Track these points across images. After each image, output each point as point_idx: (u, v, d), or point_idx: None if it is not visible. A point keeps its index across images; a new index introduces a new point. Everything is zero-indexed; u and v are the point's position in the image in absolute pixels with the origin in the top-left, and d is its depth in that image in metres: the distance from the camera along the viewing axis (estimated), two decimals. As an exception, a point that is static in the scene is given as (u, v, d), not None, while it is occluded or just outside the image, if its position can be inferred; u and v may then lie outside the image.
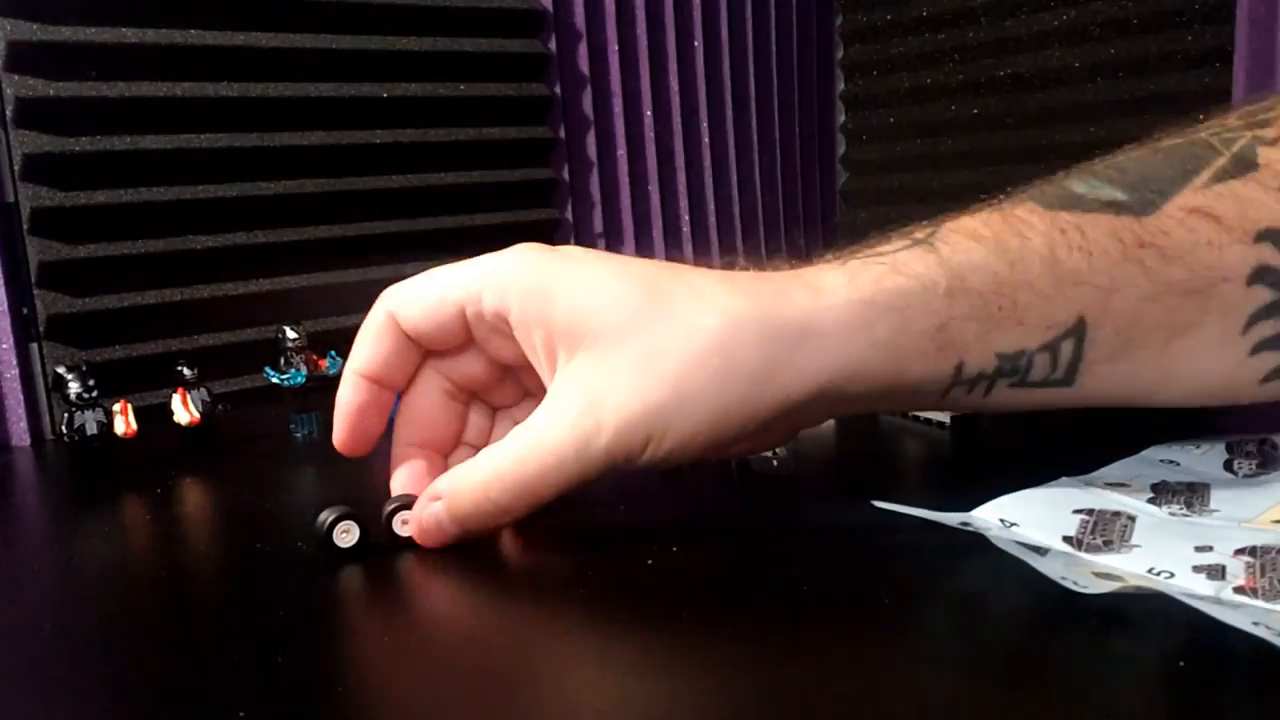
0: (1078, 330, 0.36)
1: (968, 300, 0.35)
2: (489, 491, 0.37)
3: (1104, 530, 0.36)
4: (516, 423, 0.38)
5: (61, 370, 0.59)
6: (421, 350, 0.41)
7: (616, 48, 1.02)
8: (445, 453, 0.44)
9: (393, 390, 0.42)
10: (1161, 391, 0.38)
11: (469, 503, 0.38)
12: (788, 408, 0.35)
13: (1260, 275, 0.35)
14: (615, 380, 0.35)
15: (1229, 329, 0.36)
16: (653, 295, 0.35)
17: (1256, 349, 0.37)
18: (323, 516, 0.41)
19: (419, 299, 0.39)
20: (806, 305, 0.35)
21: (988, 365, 0.36)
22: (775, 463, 0.48)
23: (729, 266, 0.39)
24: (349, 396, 0.43)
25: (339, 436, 0.43)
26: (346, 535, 0.41)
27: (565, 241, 1.01)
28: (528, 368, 0.39)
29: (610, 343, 0.35)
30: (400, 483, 0.42)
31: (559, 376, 0.36)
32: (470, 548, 0.42)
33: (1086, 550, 0.35)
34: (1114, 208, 0.36)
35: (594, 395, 0.35)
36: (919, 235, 0.38)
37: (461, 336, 0.40)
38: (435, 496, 0.39)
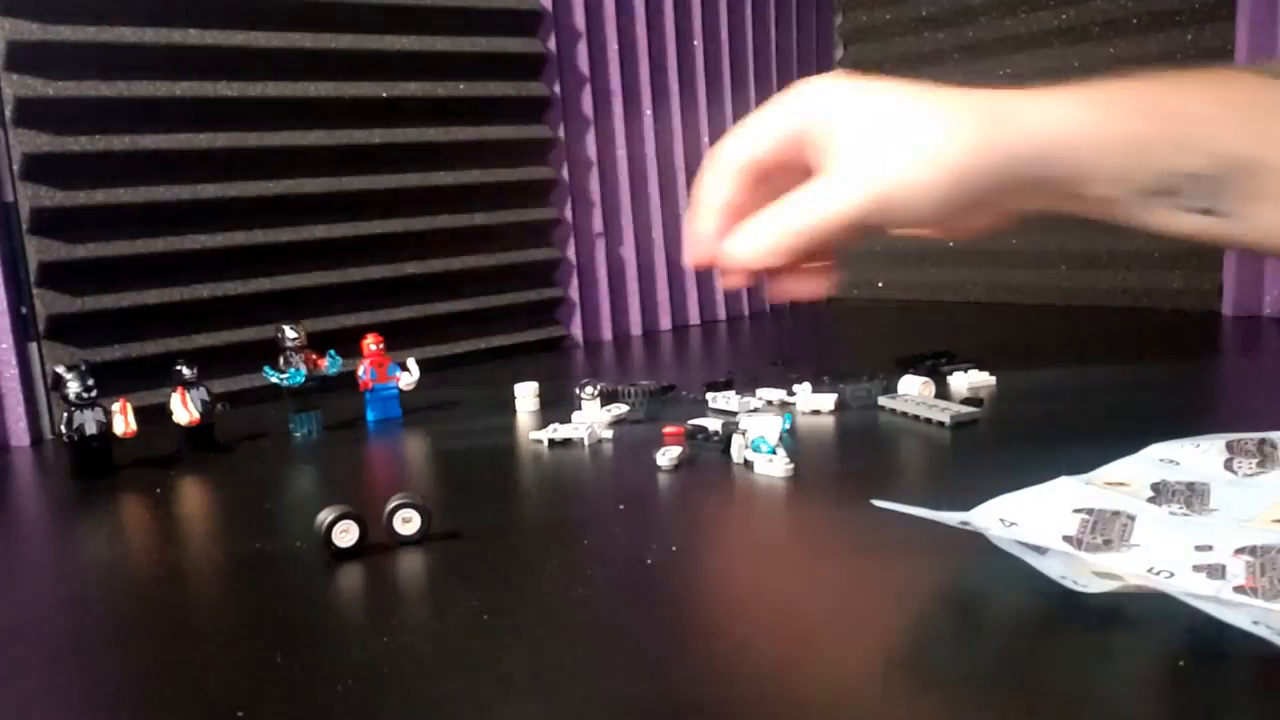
0: (1250, 169, 0.41)
1: (1163, 121, 0.41)
2: (784, 234, 0.46)
3: (1104, 530, 0.36)
4: None
5: (61, 370, 0.59)
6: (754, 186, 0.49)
7: (616, 47, 1.02)
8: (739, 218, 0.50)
9: (739, 218, 0.49)
10: None
11: (786, 226, 0.46)
12: (1000, 183, 0.42)
13: None
14: (875, 152, 0.44)
15: None
16: (896, 98, 0.44)
17: None
18: (322, 516, 0.41)
19: (758, 136, 0.48)
20: (1018, 105, 0.43)
21: (1167, 182, 0.42)
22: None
23: None
24: (713, 229, 0.49)
25: (696, 255, 0.50)
26: (346, 535, 0.41)
27: (565, 239, 1.01)
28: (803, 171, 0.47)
29: (870, 130, 0.44)
30: (712, 232, 0.49)
31: (838, 162, 0.45)
32: (469, 548, 0.42)
33: (1086, 550, 0.35)
34: None
35: (861, 174, 0.44)
36: (1136, 73, 0.43)
37: (789, 160, 0.47)
38: (746, 233, 0.47)
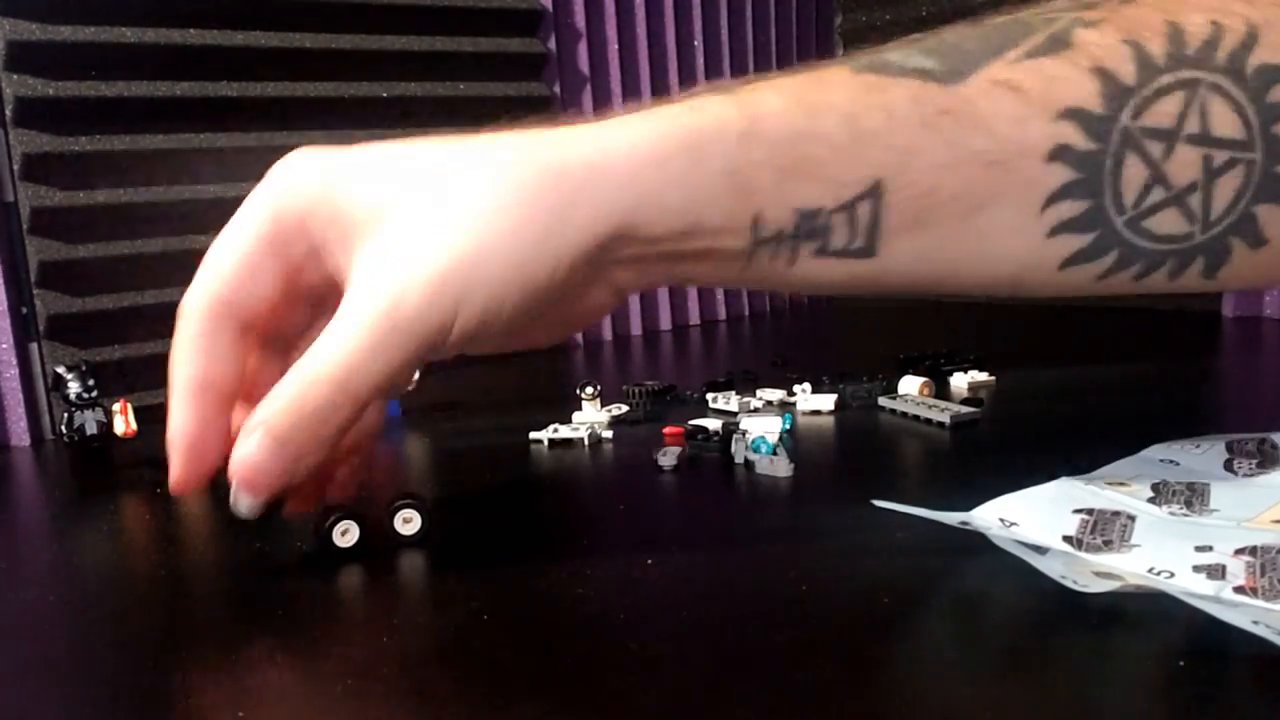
0: (875, 192, 0.35)
1: (763, 146, 0.34)
2: (306, 398, 0.33)
3: (1104, 530, 0.36)
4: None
5: (61, 370, 0.59)
6: (249, 336, 0.37)
7: (616, 47, 1.02)
8: (233, 396, 0.38)
9: (231, 396, 0.37)
10: (963, 271, 0.37)
11: (289, 416, 0.34)
12: (592, 246, 0.33)
13: (1060, 153, 0.35)
14: (414, 251, 0.32)
15: (1027, 207, 0.35)
16: (442, 163, 0.34)
17: (1055, 230, 0.36)
18: (322, 517, 0.41)
19: (227, 262, 0.36)
20: (600, 142, 0.34)
21: (787, 223, 0.35)
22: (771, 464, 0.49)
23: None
24: (188, 422, 0.36)
25: (178, 474, 0.37)
26: (346, 535, 0.41)
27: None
28: (333, 294, 0.36)
29: (403, 217, 0.33)
30: (187, 427, 0.36)
31: (356, 266, 0.34)
32: (469, 548, 0.42)
33: (1086, 550, 0.35)
34: (921, 75, 0.35)
35: (393, 270, 0.32)
36: (725, 85, 0.36)
37: (283, 281, 0.36)
38: (252, 427, 0.34)
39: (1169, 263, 0.36)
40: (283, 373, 0.35)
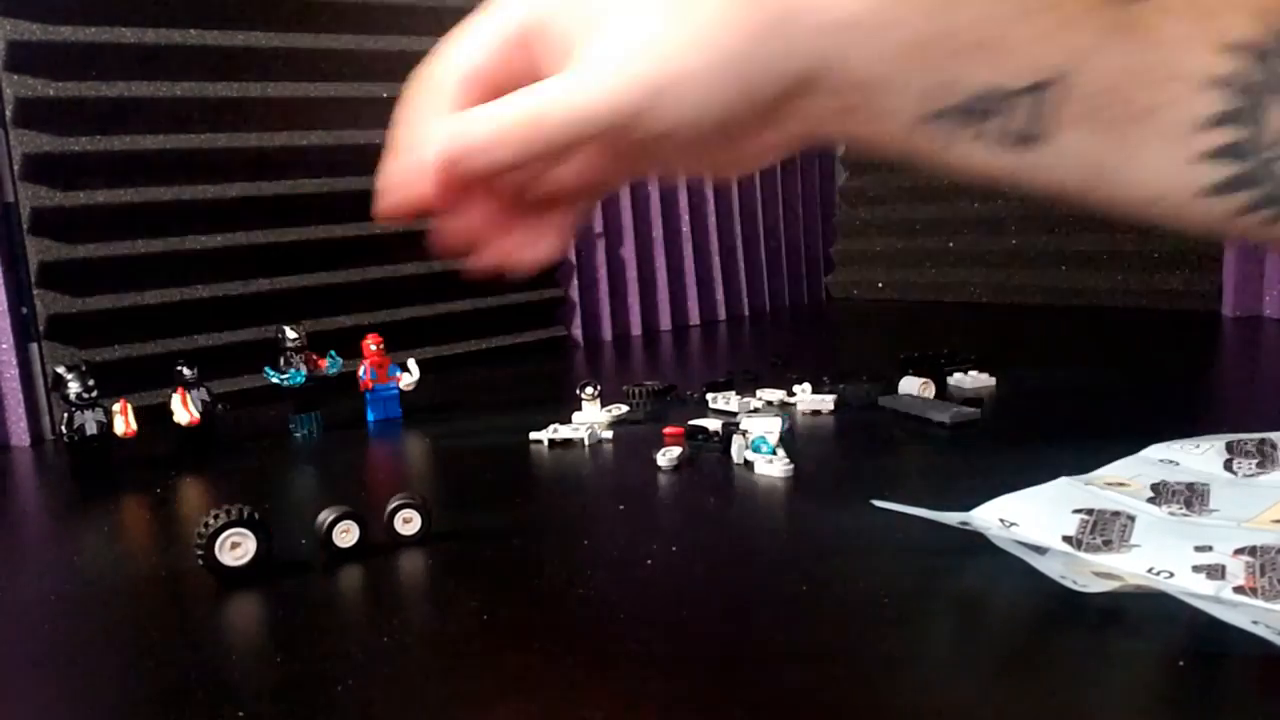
0: (1051, 83, 0.36)
1: (956, 21, 0.35)
2: (496, 120, 0.36)
3: (1104, 530, 0.36)
4: None
5: (61, 370, 0.59)
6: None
7: (616, 47, 1.02)
8: None
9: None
10: (1112, 179, 0.38)
11: (478, 130, 0.36)
12: (783, 81, 0.35)
13: (1216, 83, 0.36)
14: (623, 45, 0.35)
15: (1179, 127, 0.37)
16: None
17: (1202, 157, 0.37)
18: (322, 516, 0.41)
19: (477, 43, 0.39)
20: None
21: (963, 97, 0.36)
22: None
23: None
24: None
25: (388, 205, 0.40)
26: (346, 535, 0.41)
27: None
28: None
29: (619, 19, 0.35)
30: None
31: (578, 62, 0.36)
32: (469, 548, 0.42)
33: (1086, 550, 0.35)
34: None
35: (605, 58, 0.35)
36: None
37: (520, 72, 0.38)
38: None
39: None
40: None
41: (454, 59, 0.39)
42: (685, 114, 0.35)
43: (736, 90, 0.35)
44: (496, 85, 0.38)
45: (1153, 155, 0.37)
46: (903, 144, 0.38)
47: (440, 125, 0.37)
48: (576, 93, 0.35)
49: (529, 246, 0.40)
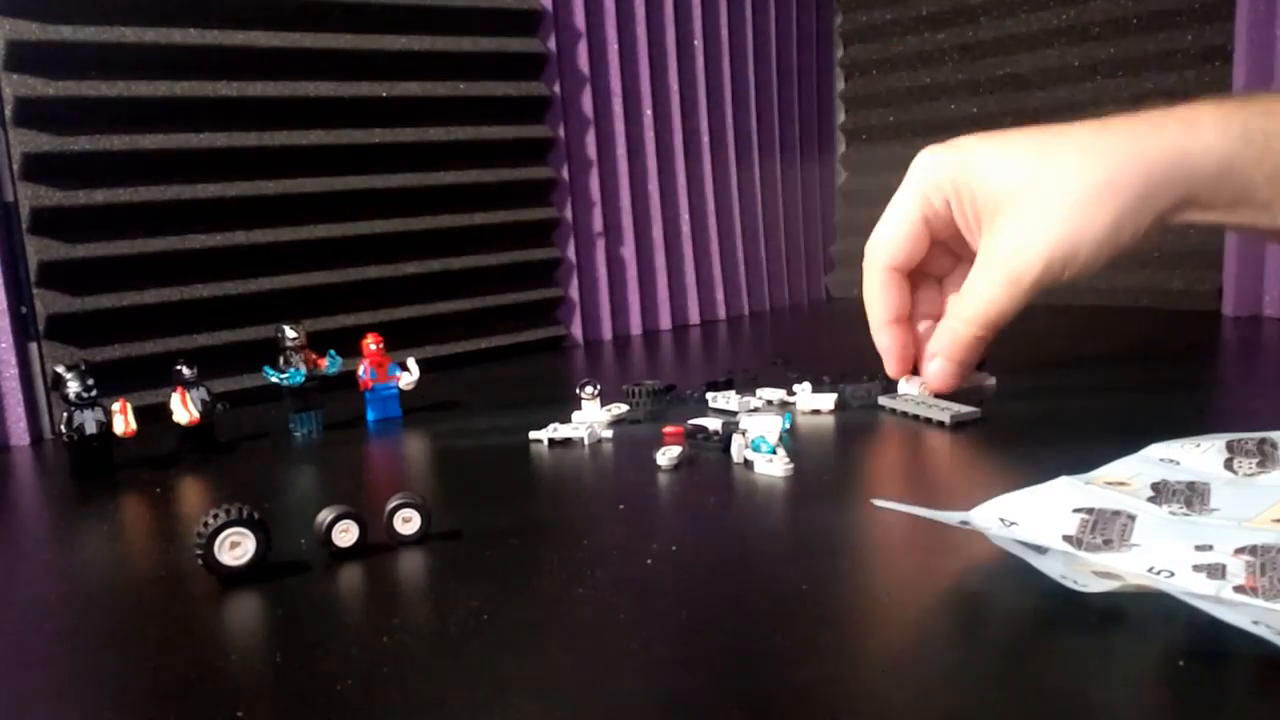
0: None
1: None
2: (962, 334, 0.53)
3: (1104, 529, 0.36)
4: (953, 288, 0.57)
5: (61, 370, 0.59)
6: (909, 278, 0.57)
7: (616, 47, 1.02)
8: (910, 321, 0.59)
9: (907, 320, 0.58)
10: None
11: (962, 344, 0.54)
12: (1160, 222, 0.47)
13: None
14: (1031, 228, 0.48)
15: None
16: (1042, 156, 0.47)
17: None
18: (322, 516, 0.41)
19: (893, 233, 0.54)
20: (1183, 138, 0.46)
21: None
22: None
23: None
24: (891, 342, 0.58)
25: (895, 370, 0.60)
26: (346, 535, 0.41)
27: (565, 239, 1.01)
28: (960, 242, 0.54)
29: (1019, 203, 0.48)
30: (892, 346, 0.59)
31: (985, 240, 0.50)
32: (469, 548, 0.42)
33: (1086, 549, 0.35)
34: None
35: (1016, 244, 0.48)
36: (1236, 102, 0.47)
37: (928, 243, 0.54)
38: (933, 355, 0.57)
39: None
40: (934, 301, 0.58)
41: (878, 254, 0.55)
42: (1090, 263, 0.47)
43: (1127, 235, 0.47)
44: (912, 264, 0.54)
45: None
46: (1266, 226, 0.47)
47: (930, 350, 0.57)
48: (1010, 288, 0.49)
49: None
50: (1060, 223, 0.46)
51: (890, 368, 0.58)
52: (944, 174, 0.50)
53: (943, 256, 0.57)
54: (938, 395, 0.57)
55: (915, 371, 0.61)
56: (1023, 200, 0.47)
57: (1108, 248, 0.47)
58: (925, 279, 0.58)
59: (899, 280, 0.54)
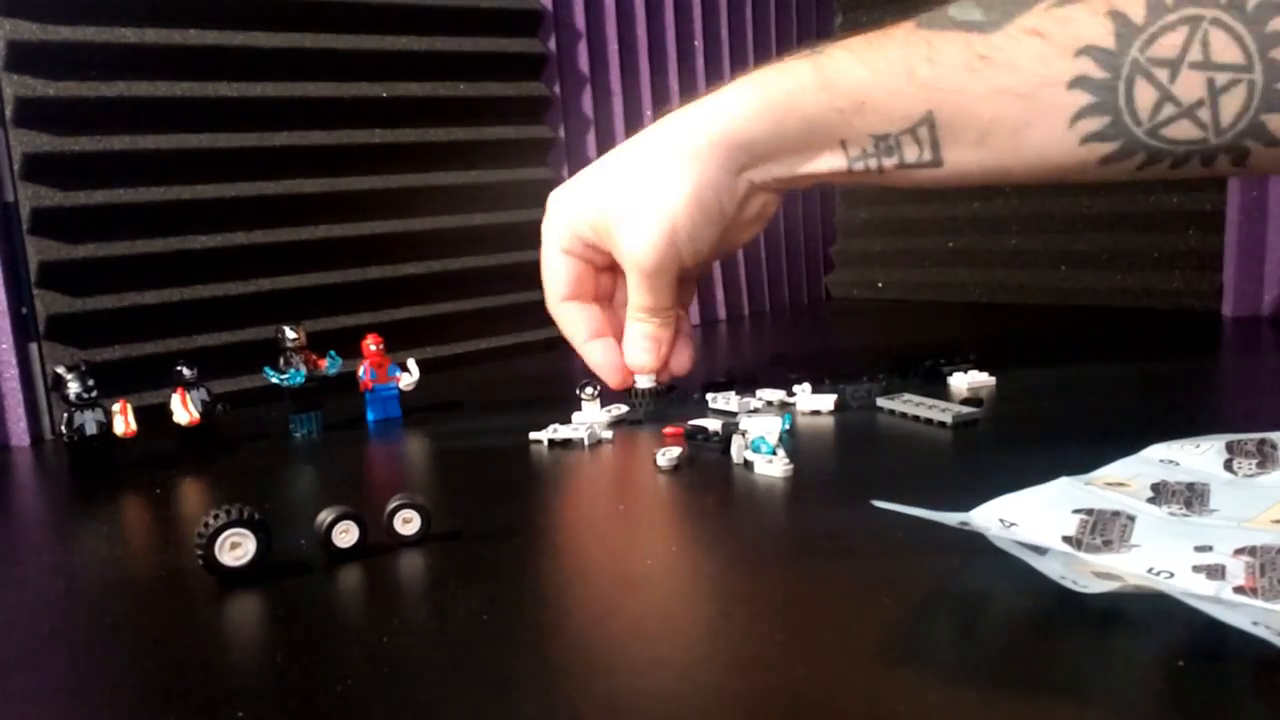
0: (928, 120, 0.48)
1: (835, 96, 0.49)
2: (638, 322, 0.59)
3: (1103, 530, 0.36)
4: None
5: (61, 370, 0.59)
6: (593, 301, 0.62)
7: (616, 47, 1.02)
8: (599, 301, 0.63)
9: (604, 333, 0.62)
10: (1015, 173, 0.49)
11: (646, 336, 0.60)
12: (740, 186, 0.53)
13: (1079, 83, 0.45)
14: (632, 223, 0.54)
15: (1057, 125, 0.46)
16: (636, 162, 0.54)
17: (1085, 140, 0.47)
18: (322, 517, 0.41)
19: (552, 278, 0.61)
20: (726, 112, 0.52)
21: (866, 144, 0.50)
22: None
23: None
24: (600, 357, 0.62)
25: (617, 381, 0.63)
26: (346, 535, 0.41)
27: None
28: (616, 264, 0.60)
29: (617, 206, 0.55)
30: (602, 359, 0.63)
31: (616, 248, 0.56)
32: (469, 548, 0.42)
33: (1086, 550, 0.35)
34: (966, 26, 0.47)
35: (628, 238, 0.55)
36: (819, 48, 0.51)
37: (590, 268, 0.60)
38: (628, 349, 0.61)
39: (1195, 158, 0.46)
40: (613, 318, 0.62)
41: (552, 297, 0.61)
42: (693, 233, 0.53)
43: (711, 201, 0.53)
44: (585, 291, 0.60)
45: (1046, 148, 0.47)
46: (846, 179, 0.52)
47: (629, 361, 0.61)
48: (643, 283, 0.56)
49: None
50: (648, 215, 0.52)
51: (610, 379, 0.61)
52: (564, 213, 0.57)
53: (615, 281, 0.63)
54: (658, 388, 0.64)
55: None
56: (621, 208, 0.53)
57: (699, 212, 0.52)
58: (611, 302, 0.64)
59: (581, 307, 0.60)
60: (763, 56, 1.19)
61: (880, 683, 0.28)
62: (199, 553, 0.39)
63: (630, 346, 0.59)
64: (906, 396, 0.62)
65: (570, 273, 0.59)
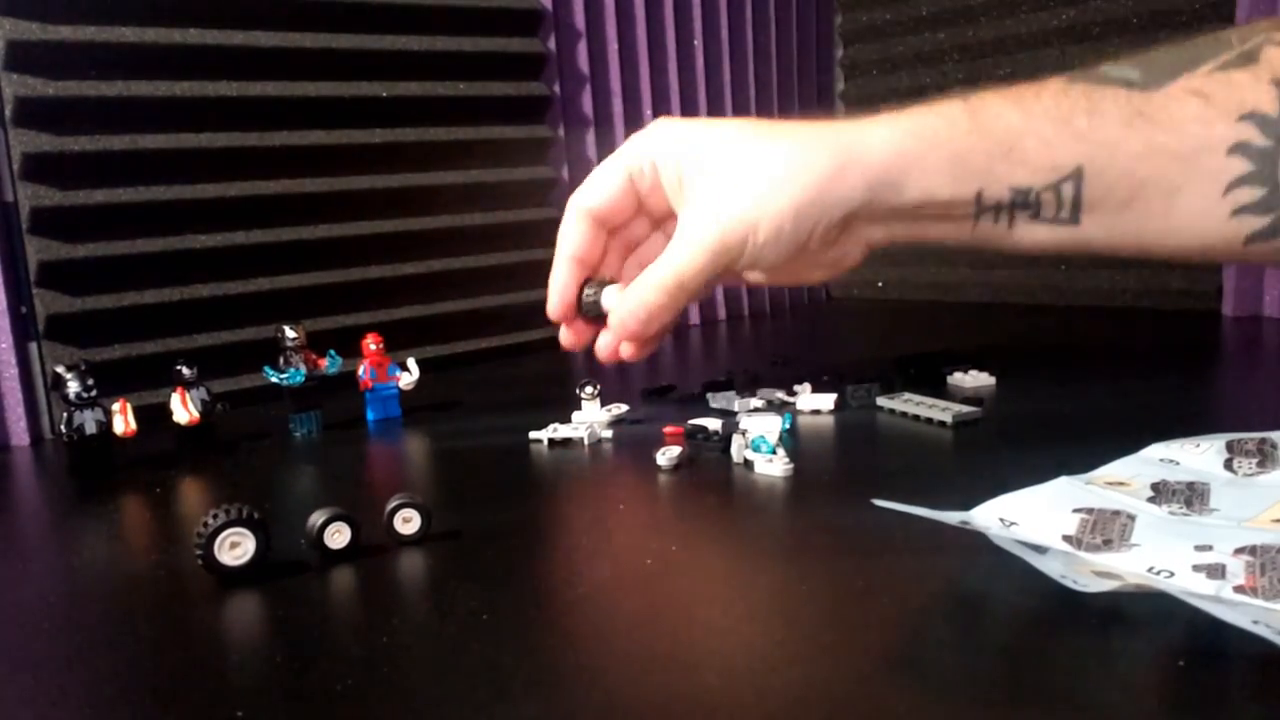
0: (1076, 175, 0.44)
1: (985, 138, 0.44)
2: (651, 297, 0.48)
3: (1104, 529, 0.36)
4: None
5: (61, 370, 0.59)
6: (606, 232, 0.53)
7: (616, 47, 1.02)
8: (593, 267, 0.54)
9: (591, 267, 0.53)
10: (1154, 242, 0.45)
11: (645, 308, 0.49)
12: (847, 210, 0.45)
13: (1239, 149, 0.42)
14: (722, 192, 0.47)
15: (1211, 193, 0.43)
16: (745, 135, 0.47)
17: (1236, 212, 0.43)
18: (314, 518, 0.41)
19: (598, 184, 0.51)
20: (859, 133, 0.45)
21: (1004, 197, 0.45)
22: None
23: None
24: (564, 279, 0.53)
25: (555, 308, 0.53)
26: (338, 537, 0.41)
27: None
28: (671, 217, 0.51)
29: (718, 169, 0.47)
30: (563, 283, 0.53)
31: (688, 202, 0.48)
32: (469, 548, 0.42)
33: (1086, 549, 0.35)
34: (1125, 83, 0.44)
35: (707, 205, 0.47)
36: (967, 94, 0.47)
37: (633, 202, 0.52)
38: (611, 318, 0.50)
39: None
40: (622, 261, 0.54)
41: (581, 199, 0.52)
42: (770, 243, 0.46)
43: (808, 223, 0.46)
44: (618, 219, 0.52)
45: (1192, 218, 0.43)
46: (967, 237, 0.46)
47: (614, 307, 0.50)
48: (693, 251, 0.47)
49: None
50: (743, 196, 0.46)
51: (551, 305, 0.53)
52: (661, 139, 0.50)
53: (650, 229, 0.55)
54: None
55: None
56: (719, 175, 0.47)
57: (788, 231, 0.46)
58: (630, 246, 0.56)
59: (595, 228, 0.52)
60: (763, 56, 1.19)
61: (880, 681, 0.28)
62: (198, 552, 0.39)
63: (623, 301, 0.51)
64: (907, 396, 0.62)
65: (617, 186, 0.51)
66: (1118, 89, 0.44)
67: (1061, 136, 0.44)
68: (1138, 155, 0.43)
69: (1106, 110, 0.43)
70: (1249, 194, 0.42)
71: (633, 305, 0.50)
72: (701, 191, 0.48)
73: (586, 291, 0.51)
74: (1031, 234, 0.45)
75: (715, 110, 1.13)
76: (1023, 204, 0.45)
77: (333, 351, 0.67)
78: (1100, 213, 0.44)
